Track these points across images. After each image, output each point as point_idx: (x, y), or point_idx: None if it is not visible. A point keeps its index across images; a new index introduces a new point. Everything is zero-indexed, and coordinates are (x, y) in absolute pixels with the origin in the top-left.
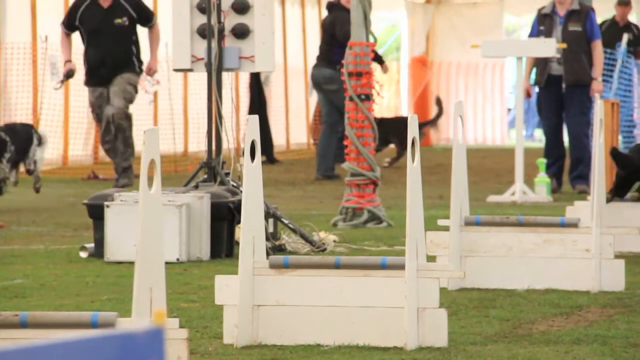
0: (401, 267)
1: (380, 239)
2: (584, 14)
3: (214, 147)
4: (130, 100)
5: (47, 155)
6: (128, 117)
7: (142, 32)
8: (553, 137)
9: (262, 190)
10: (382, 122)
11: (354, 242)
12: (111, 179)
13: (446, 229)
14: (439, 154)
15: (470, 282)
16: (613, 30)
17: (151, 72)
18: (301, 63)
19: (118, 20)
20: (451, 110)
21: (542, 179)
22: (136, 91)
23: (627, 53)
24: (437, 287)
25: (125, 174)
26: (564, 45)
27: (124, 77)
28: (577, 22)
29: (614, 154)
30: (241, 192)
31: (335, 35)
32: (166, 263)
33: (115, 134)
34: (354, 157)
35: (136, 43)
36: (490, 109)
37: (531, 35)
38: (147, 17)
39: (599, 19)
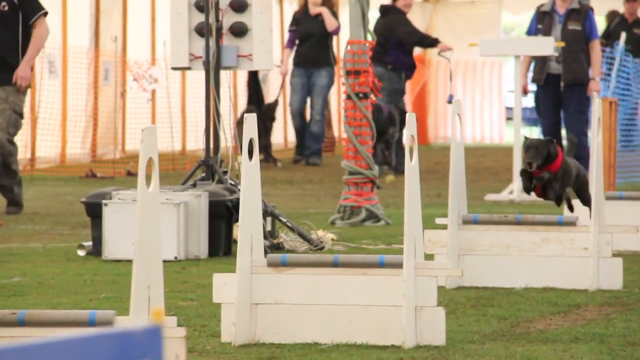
0: (399, 265)
1: (378, 237)
2: (583, 13)
3: (211, 146)
4: (15, 132)
5: (46, 153)
6: (12, 153)
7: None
8: (551, 136)
9: (260, 189)
10: None
11: (352, 240)
12: (110, 177)
13: (444, 227)
14: (437, 153)
15: (468, 281)
16: (622, 26)
17: (19, 79)
18: None
19: None
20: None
21: None
22: (22, 117)
23: (625, 51)
24: (435, 286)
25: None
26: (562, 44)
27: (9, 101)
28: (576, 21)
29: None
30: (239, 190)
31: (391, 38)
32: (164, 261)
33: None
34: (352, 155)
35: (22, 43)
36: (489, 107)
37: (529, 32)
38: (29, 7)
39: (597, 18)
